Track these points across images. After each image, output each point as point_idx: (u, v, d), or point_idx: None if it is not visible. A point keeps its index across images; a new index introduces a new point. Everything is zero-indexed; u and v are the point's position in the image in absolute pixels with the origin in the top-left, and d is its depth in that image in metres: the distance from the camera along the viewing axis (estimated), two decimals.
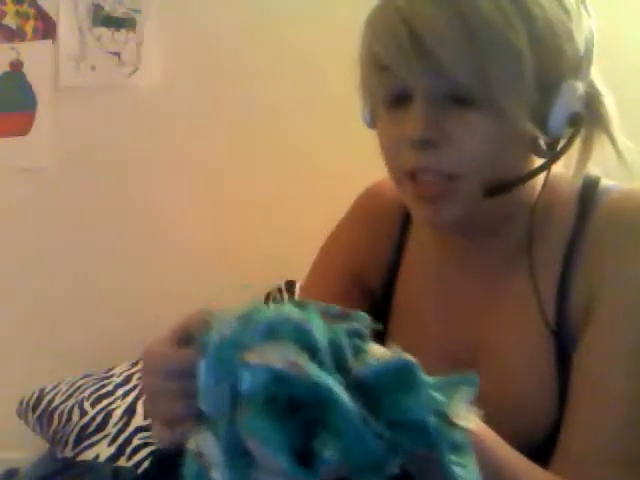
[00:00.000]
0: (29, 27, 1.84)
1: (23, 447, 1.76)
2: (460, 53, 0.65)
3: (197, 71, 1.84)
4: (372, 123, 0.77)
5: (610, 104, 0.73)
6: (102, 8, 1.83)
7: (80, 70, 1.84)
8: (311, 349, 0.48)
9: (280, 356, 0.47)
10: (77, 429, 1.56)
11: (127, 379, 1.67)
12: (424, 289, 0.84)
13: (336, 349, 0.49)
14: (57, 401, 1.66)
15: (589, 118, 0.72)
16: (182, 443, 0.54)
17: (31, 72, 1.85)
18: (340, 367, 0.49)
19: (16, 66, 1.85)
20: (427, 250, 0.84)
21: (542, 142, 0.71)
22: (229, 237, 1.86)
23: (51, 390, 1.70)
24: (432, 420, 0.48)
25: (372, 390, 0.49)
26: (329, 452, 0.46)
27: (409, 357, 0.49)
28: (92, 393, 1.65)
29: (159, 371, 0.59)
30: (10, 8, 1.83)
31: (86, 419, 1.57)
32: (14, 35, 1.84)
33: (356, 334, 0.52)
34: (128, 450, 1.47)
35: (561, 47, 0.68)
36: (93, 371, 1.74)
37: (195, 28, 1.82)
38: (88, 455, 1.50)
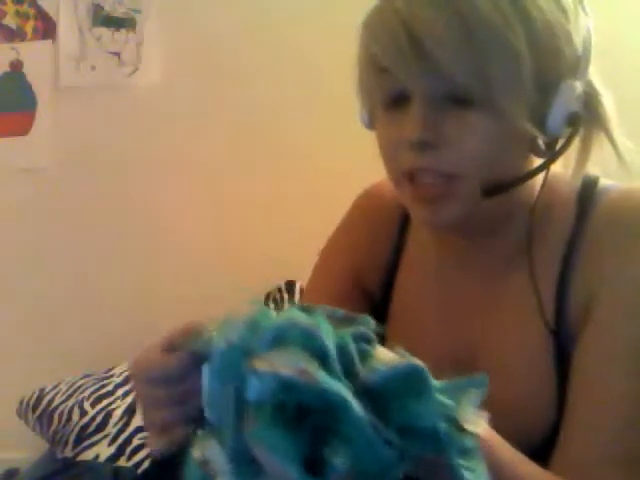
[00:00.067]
0: (29, 27, 1.84)
1: (23, 447, 1.76)
2: (459, 54, 0.65)
3: (197, 71, 1.84)
4: (370, 124, 0.77)
5: (609, 104, 0.73)
6: (102, 8, 1.83)
7: (80, 70, 1.84)
8: (319, 355, 0.48)
9: (289, 363, 0.46)
10: (77, 429, 1.56)
11: (127, 379, 1.67)
12: (423, 289, 0.84)
13: (344, 354, 0.49)
14: (57, 401, 1.66)
15: (588, 118, 0.72)
16: (176, 449, 0.54)
17: (31, 72, 1.85)
18: (348, 372, 0.49)
19: (16, 66, 1.85)
20: (426, 250, 0.84)
21: (541, 142, 0.71)
22: (229, 237, 1.86)
23: (51, 390, 1.70)
24: (442, 426, 0.48)
25: (380, 396, 0.48)
26: (340, 460, 0.45)
27: (418, 362, 0.49)
28: (92, 393, 1.65)
29: (147, 378, 0.59)
30: (10, 8, 1.83)
31: (86, 419, 1.57)
32: (14, 35, 1.84)
33: (362, 338, 0.51)
34: (128, 450, 1.47)
35: (559, 47, 0.68)
36: (93, 371, 1.74)
37: (195, 28, 1.82)
38: (88, 455, 1.50)
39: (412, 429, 0.48)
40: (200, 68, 1.83)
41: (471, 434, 0.49)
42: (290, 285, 1.82)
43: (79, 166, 1.86)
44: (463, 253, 0.80)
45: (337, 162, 1.73)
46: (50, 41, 1.84)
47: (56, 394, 1.68)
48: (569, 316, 0.72)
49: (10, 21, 1.84)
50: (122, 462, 1.45)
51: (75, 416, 1.59)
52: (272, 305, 1.80)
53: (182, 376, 0.57)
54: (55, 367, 1.75)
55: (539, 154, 0.72)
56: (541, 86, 0.67)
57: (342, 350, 0.49)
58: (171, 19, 1.83)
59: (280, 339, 0.49)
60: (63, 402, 1.65)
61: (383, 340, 0.54)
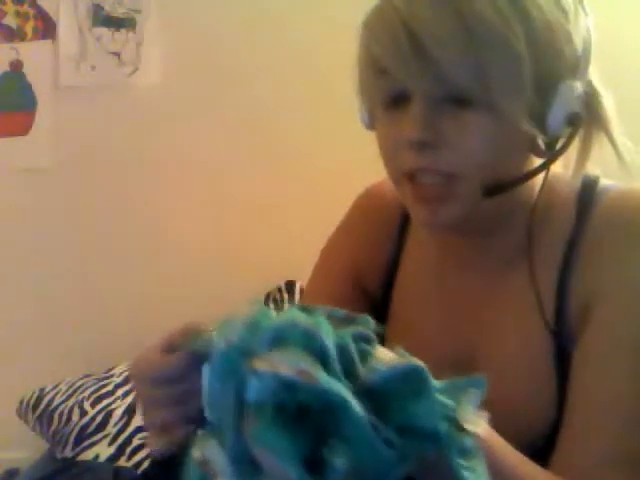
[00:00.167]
0: (29, 27, 1.83)
1: (23, 447, 1.76)
2: (458, 54, 0.65)
3: (197, 71, 1.84)
4: (370, 124, 0.77)
5: (609, 104, 0.73)
6: (102, 8, 1.83)
7: (80, 70, 1.84)
8: (319, 355, 0.48)
9: (289, 364, 0.46)
10: (77, 429, 1.56)
11: (127, 379, 1.67)
12: (423, 289, 0.84)
13: (344, 354, 0.49)
14: (57, 401, 1.66)
15: (588, 118, 0.72)
16: (176, 449, 0.54)
17: (31, 72, 1.85)
18: (348, 372, 0.49)
19: (16, 66, 1.85)
20: (426, 250, 0.84)
21: (541, 142, 0.71)
22: (229, 237, 1.86)
23: (51, 390, 1.70)
24: (442, 426, 0.48)
25: (380, 396, 0.48)
26: (340, 460, 0.45)
27: (418, 362, 0.49)
28: (92, 393, 1.65)
29: (146, 379, 0.59)
30: (10, 8, 1.83)
31: (86, 419, 1.58)
32: (14, 35, 1.84)
33: (362, 338, 0.51)
34: (128, 450, 1.47)
35: (559, 47, 0.68)
36: (93, 371, 1.74)
37: (195, 28, 1.82)
38: (88, 455, 1.50)
39: (412, 429, 0.48)
40: (200, 68, 1.83)
41: (471, 434, 0.49)
42: (290, 285, 1.82)
43: (79, 166, 1.86)
44: (463, 253, 0.80)
45: (337, 162, 1.73)
46: (50, 41, 1.83)
47: (56, 394, 1.68)
48: (569, 316, 0.72)
49: (10, 21, 1.84)
50: (122, 462, 1.45)
51: (75, 416, 1.59)
52: (272, 305, 1.80)
53: (182, 376, 0.58)
54: (55, 367, 1.75)
55: (539, 154, 0.72)
56: (541, 86, 0.67)
57: (342, 350, 0.49)
58: (171, 19, 1.82)
59: (280, 339, 0.49)
60: (63, 402, 1.65)
61: (383, 340, 0.54)
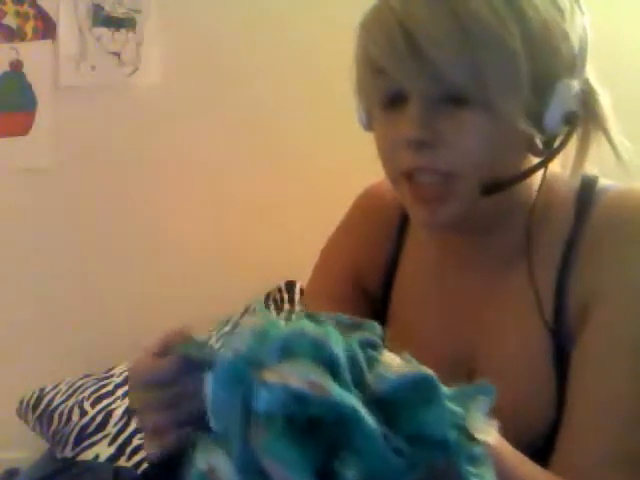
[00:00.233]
0: (29, 27, 1.84)
1: (23, 447, 1.76)
2: (455, 54, 0.65)
3: (197, 71, 1.84)
4: (368, 125, 0.77)
5: (606, 102, 0.73)
6: (102, 8, 1.83)
7: (80, 70, 1.84)
8: (329, 364, 0.47)
9: (299, 375, 0.46)
10: (77, 429, 1.56)
11: (127, 379, 1.67)
12: (423, 289, 0.84)
13: (353, 363, 0.49)
14: (57, 401, 1.66)
15: (585, 116, 0.72)
16: (170, 452, 0.54)
17: (31, 72, 1.85)
18: (356, 381, 0.48)
19: (16, 66, 1.85)
20: (426, 250, 0.84)
21: (538, 141, 0.71)
22: (229, 237, 1.86)
23: (51, 390, 1.70)
24: (452, 435, 0.48)
25: (390, 404, 0.48)
26: (351, 472, 0.45)
27: (427, 370, 0.49)
28: (92, 393, 1.65)
29: (138, 382, 0.60)
30: (10, 8, 1.83)
31: (86, 419, 1.58)
32: (14, 35, 1.84)
33: (369, 344, 0.51)
34: (128, 450, 1.47)
35: (555, 46, 0.68)
36: (93, 371, 1.74)
37: (195, 28, 1.82)
38: (88, 455, 1.50)
39: (422, 438, 0.47)
40: (200, 68, 1.83)
41: (481, 442, 0.49)
42: (290, 285, 1.82)
43: (79, 166, 1.86)
44: (462, 252, 0.80)
45: (337, 162, 1.73)
46: (50, 41, 1.83)
47: (56, 394, 1.68)
48: (568, 316, 0.72)
49: (10, 21, 1.84)
50: (122, 462, 1.45)
51: (75, 416, 1.59)
52: (272, 305, 1.80)
53: (174, 380, 0.58)
54: (55, 367, 1.75)
55: (537, 153, 0.72)
56: (538, 85, 0.67)
57: (351, 359, 0.49)
58: (171, 19, 1.83)
59: (289, 350, 0.48)
60: (63, 402, 1.65)
61: (383, 340, 0.54)
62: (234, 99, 1.83)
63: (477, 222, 0.75)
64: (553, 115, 0.69)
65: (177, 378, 0.58)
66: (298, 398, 0.45)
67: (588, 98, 0.72)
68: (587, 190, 0.75)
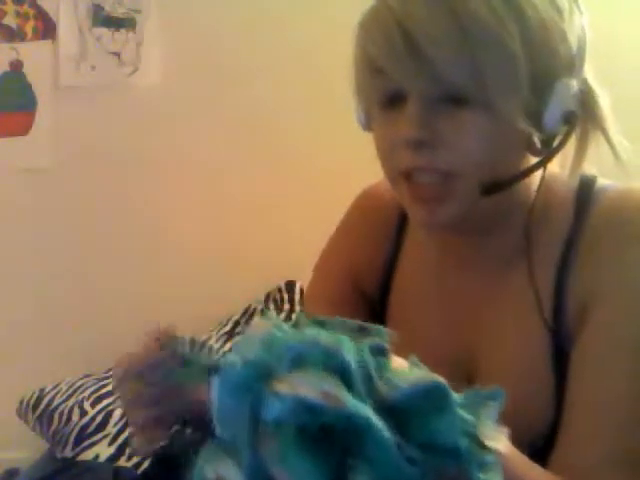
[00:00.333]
0: (29, 27, 1.83)
1: (23, 447, 1.76)
2: (453, 54, 0.65)
3: (197, 71, 1.84)
4: (367, 125, 0.77)
5: (605, 102, 0.73)
6: (102, 8, 1.83)
7: (80, 70, 1.84)
8: (341, 373, 0.47)
9: (312, 386, 0.46)
10: (77, 429, 1.56)
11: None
12: (422, 289, 0.84)
13: (364, 371, 0.49)
14: (57, 401, 1.66)
15: (583, 116, 0.72)
16: (171, 453, 0.54)
17: (31, 72, 1.85)
18: (368, 389, 0.48)
19: (16, 66, 1.85)
20: (425, 250, 0.84)
21: (537, 141, 0.71)
22: (229, 237, 1.86)
23: (51, 390, 1.70)
24: (464, 442, 0.48)
25: (402, 412, 0.48)
26: None
27: (439, 378, 0.49)
28: (92, 393, 1.65)
29: (131, 374, 0.60)
30: (10, 8, 1.83)
31: (86, 419, 1.58)
32: (14, 35, 1.84)
33: (378, 350, 0.51)
34: (128, 450, 1.47)
35: (554, 46, 0.68)
36: (93, 371, 1.74)
37: (195, 28, 1.82)
38: (88, 455, 1.50)
39: (433, 446, 0.47)
40: (200, 68, 1.83)
41: (491, 450, 0.49)
42: (290, 285, 1.82)
43: (79, 166, 1.86)
44: (462, 253, 0.80)
45: (337, 162, 1.73)
46: (50, 41, 1.83)
47: (56, 394, 1.68)
48: (567, 315, 0.72)
49: (10, 21, 1.84)
50: (122, 462, 1.45)
51: (75, 416, 1.59)
52: (272, 305, 1.80)
53: (165, 375, 0.58)
54: (55, 367, 1.75)
55: (535, 153, 0.72)
56: (537, 85, 0.67)
57: (362, 367, 0.48)
58: (171, 19, 1.82)
59: (301, 359, 0.48)
60: (63, 402, 1.65)
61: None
62: (234, 99, 1.83)
63: (476, 222, 0.75)
64: (552, 114, 0.69)
65: (168, 374, 0.58)
66: (310, 408, 0.45)
67: (587, 98, 0.72)
68: (586, 190, 0.75)
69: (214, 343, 1.73)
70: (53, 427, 1.61)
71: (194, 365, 0.62)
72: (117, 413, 1.57)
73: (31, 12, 1.83)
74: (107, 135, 1.86)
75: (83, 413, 1.59)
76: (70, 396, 1.66)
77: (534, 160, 0.72)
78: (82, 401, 1.63)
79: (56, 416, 1.62)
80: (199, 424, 0.60)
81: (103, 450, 1.49)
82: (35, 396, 1.69)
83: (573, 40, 0.69)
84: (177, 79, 1.84)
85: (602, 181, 0.76)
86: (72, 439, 1.55)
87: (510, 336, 0.76)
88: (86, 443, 1.53)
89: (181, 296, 1.81)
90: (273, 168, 1.84)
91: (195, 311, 1.73)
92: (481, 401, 0.50)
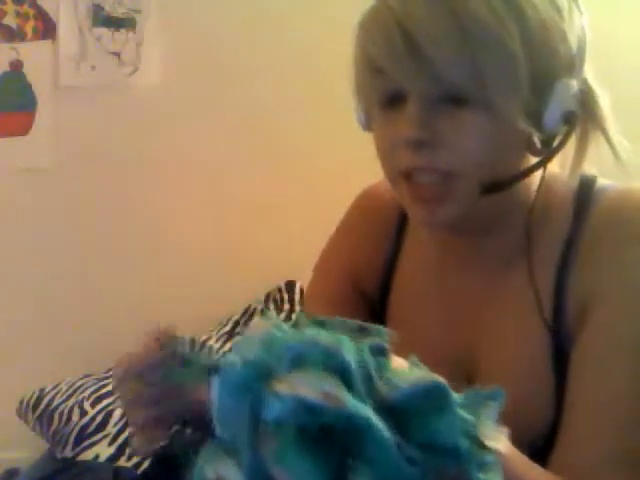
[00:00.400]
0: (29, 27, 1.83)
1: (23, 447, 1.76)
2: (453, 54, 0.65)
3: (197, 71, 1.84)
4: (366, 125, 0.77)
5: (604, 102, 0.73)
6: (102, 8, 1.83)
7: (80, 70, 1.84)
8: (341, 373, 0.47)
9: (312, 386, 0.46)
10: (77, 429, 1.56)
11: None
12: (423, 289, 0.84)
13: (364, 371, 0.49)
14: (57, 401, 1.66)
15: (583, 116, 0.72)
16: (171, 453, 0.54)
17: (31, 72, 1.85)
18: (368, 389, 0.48)
19: (16, 66, 1.85)
20: (425, 250, 0.84)
21: (537, 141, 0.71)
22: (229, 237, 1.86)
23: (51, 390, 1.70)
24: (464, 443, 0.48)
25: (401, 412, 0.48)
26: None
27: (439, 378, 0.49)
28: (92, 393, 1.65)
29: (132, 374, 0.61)
30: (10, 8, 1.83)
31: (86, 419, 1.58)
32: (14, 35, 1.84)
33: (378, 350, 0.51)
34: (128, 450, 1.47)
35: (554, 46, 0.68)
36: (93, 371, 1.74)
37: (195, 28, 1.82)
38: (88, 455, 1.50)
39: (433, 446, 0.47)
40: (200, 68, 1.83)
41: (491, 450, 0.49)
42: (290, 285, 1.82)
43: (79, 166, 1.86)
44: (462, 253, 0.80)
45: (337, 162, 1.73)
46: (50, 41, 1.83)
47: (56, 394, 1.68)
48: (567, 315, 0.72)
49: (10, 21, 1.84)
50: (122, 462, 1.45)
51: (75, 416, 1.59)
52: (272, 305, 1.80)
53: (165, 375, 0.58)
54: (55, 367, 1.75)
55: (535, 153, 0.72)
56: (537, 85, 0.67)
57: (362, 367, 0.48)
58: (171, 19, 1.82)
59: (301, 360, 0.48)
60: (63, 402, 1.65)
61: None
62: (234, 99, 1.83)
63: (476, 223, 0.75)
64: (552, 114, 0.69)
65: (168, 374, 0.58)
66: (310, 408, 0.45)
67: (586, 98, 0.72)
68: (586, 190, 0.75)
69: (214, 343, 1.73)
70: (53, 427, 1.61)
71: (194, 365, 0.62)
72: (117, 413, 1.57)
73: (31, 12, 1.83)
74: (107, 135, 1.86)
75: (83, 413, 1.59)
76: (70, 396, 1.66)
77: (534, 160, 0.72)
78: (82, 401, 1.63)
79: (56, 416, 1.62)
80: (199, 424, 0.61)
81: (103, 450, 1.49)
82: (35, 396, 1.69)
83: (573, 40, 0.69)
84: (177, 79, 1.84)
85: (602, 181, 0.76)
86: (72, 439, 1.55)
87: (510, 336, 0.76)
88: (86, 443, 1.53)
89: (181, 296, 1.81)
90: (273, 168, 1.84)
91: (195, 311, 1.73)
92: (481, 401, 0.50)
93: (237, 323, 1.80)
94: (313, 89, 1.79)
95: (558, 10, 0.68)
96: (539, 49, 0.67)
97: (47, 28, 1.83)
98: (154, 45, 1.84)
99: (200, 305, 1.77)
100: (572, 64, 0.70)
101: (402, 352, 0.53)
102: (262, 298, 1.81)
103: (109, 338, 1.82)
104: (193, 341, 0.65)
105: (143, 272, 1.88)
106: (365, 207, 0.92)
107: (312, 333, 0.50)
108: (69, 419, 1.59)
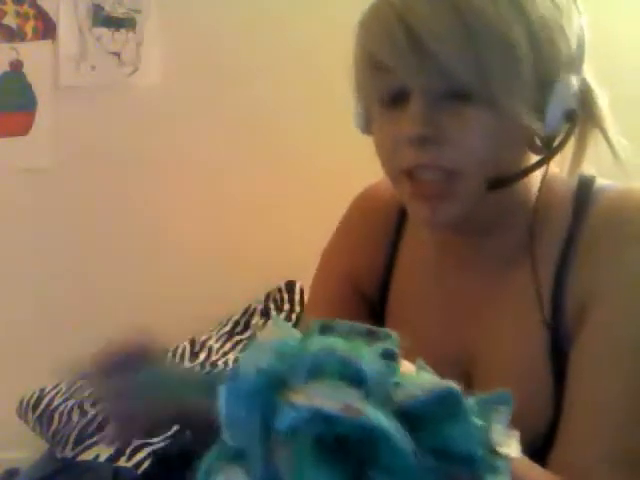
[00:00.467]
0: (29, 27, 1.84)
1: (23, 447, 1.76)
2: (457, 50, 0.65)
3: (197, 71, 1.84)
4: (366, 127, 0.77)
5: (604, 101, 0.73)
6: (102, 8, 1.83)
7: (80, 70, 1.84)
8: (357, 382, 0.47)
9: (331, 397, 0.45)
10: (77, 429, 1.56)
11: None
12: (422, 289, 0.84)
13: (380, 379, 0.48)
14: (57, 401, 1.66)
15: (583, 115, 0.72)
16: (157, 450, 0.55)
17: (31, 72, 1.85)
18: (384, 397, 0.47)
19: (16, 66, 1.85)
20: (425, 250, 0.84)
21: (537, 140, 0.71)
22: (229, 237, 1.86)
23: (51, 390, 1.70)
24: (477, 450, 0.47)
25: (415, 419, 0.47)
26: None
27: (453, 384, 0.48)
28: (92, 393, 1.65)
29: (111, 365, 0.61)
30: (10, 8, 1.83)
31: (86, 419, 1.57)
32: (14, 35, 1.84)
33: (389, 356, 0.50)
34: (128, 450, 1.47)
35: (556, 43, 0.68)
36: None
37: (195, 28, 1.82)
38: (88, 455, 1.50)
39: (447, 452, 0.47)
40: (200, 68, 1.83)
41: (504, 456, 0.49)
42: (290, 285, 1.82)
43: (79, 166, 1.86)
44: (462, 253, 0.80)
45: (337, 162, 1.73)
46: (50, 41, 1.84)
47: (56, 394, 1.68)
48: (566, 315, 0.72)
49: (10, 21, 1.84)
50: (122, 462, 1.45)
51: (75, 416, 1.59)
52: (272, 305, 1.80)
53: (134, 369, 0.60)
54: (55, 367, 1.75)
55: (537, 151, 0.72)
56: (539, 81, 0.67)
57: (377, 374, 0.48)
58: (171, 19, 1.82)
59: (317, 370, 0.47)
60: (63, 402, 1.65)
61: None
62: (234, 99, 1.83)
63: (477, 222, 0.75)
64: (554, 112, 0.68)
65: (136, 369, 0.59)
66: (326, 418, 0.44)
67: (586, 97, 0.72)
68: (585, 190, 0.75)
69: (214, 343, 1.73)
70: (53, 427, 1.61)
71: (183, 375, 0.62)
72: None
73: (31, 12, 1.83)
74: (107, 135, 1.86)
75: (83, 413, 1.59)
76: (70, 396, 1.66)
77: (535, 159, 0.72)
78: (82, 401, 1.63)
79: (56, 416, 1.62)
80: (200, 426, 0.60)
81: (103, 450, 1.49)
82: (35, 396, 1.69)
83: (573, 39, 0.69)
84: (177, 79, 1.84)
85: (601, 181, 0.76)
86: (72, 439, 1.55)
87: (509, 336, 0.76)
88: (86, 443, 1.53)
89: (181, 296, 1.81)
90: (273, 168, 1.84)
91: (195, 311, 1.73)
92: (491, 406, 0.50)
93: (237, 323, 1.80)
94: (313, 89, 1.79)
95: (557, 8, 0.68)
96: (542, 46, 0.67)
97: (47, 28, 1.83)
98: (154, 45, 1.84)
99: (200, 305, 1.77)
100: (572, 63, 0.70)
101: (402, 352, 0.53)
102: (262, 298, 1.81)
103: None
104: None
105: (143, 272, 1.88)
106: (365, 207, 0.92)
107: (327, 341, 0.49)
108: (69, 419, 1.59)
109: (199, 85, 1.84)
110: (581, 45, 0.70)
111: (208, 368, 1.61)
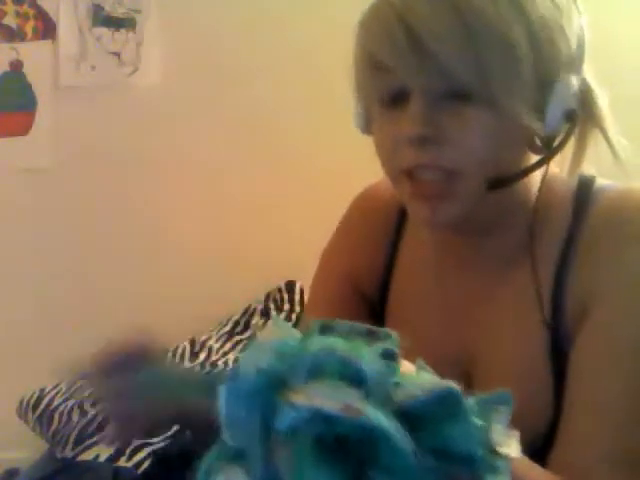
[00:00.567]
0: (29, 27, 1.84)
1: (23, 447, 1.76)
2: (457, 50, 0.65)
3: (197, 71, 1.84)
4: (366, 128, 0.77)
5: (603, 101, 0.73)
6: (102, 8, 1.83)
7: (80, 70, 1.84)
8: (357, 382, 0.47)
9: (331, 398, 0.45)
10: (77, 429, 1.56)
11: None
12: (422, 289, 0.84)
13: (380, 379, 0.48)
14: (57, 401, 1.66)
15: (583, 115, 0.72)
16: (157, 450, 0.55)
17: (31, 72, 1.85)
18: (384, 397, 0.47)
19: (16, 66, 1.85)
20: (425, 250, 0.84)
21: (538, 140, 0.71)
22: (229, 237, 1.86)
23: (51, 390, 1.70)
24: (477, 450, 0.47)
25: (415, 419, 0.47)
26: None
27: (453, 384, 0.48)
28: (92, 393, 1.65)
29: (111, 365, 0.61)
30: (10, 8, 1.83)
31: (86, 419, 1.57)
32: (14, 35, 1.84)
33: (389, 356, 0.50)
34: (128, 450, 1.47)
35: (556, 43, 0.68)
36: None
37: (195, 28, 1.82)
38: (88, 455, 1.50)
39: (447, 452, 0.47)
40: (200, 68, 1.83)
41: (504, 457, 0.49)
42: (290, 285, 1.82)
43: (79, 166, 1.86)
44: (462, 253, 0.80)
45: (337, 162, 1.73)
46: (50, 41, 1.84)
47: (56, 394, 1.68)
48: (566, 315, 0.72)
49: (10, 21, 1.84)
50: (122, 462, 1.45)
51: (75, 416, 1.59)
52: (272, 305, 1.80)
53: (134, 369, 0.60)
54: (55, 367, 1.75)
55: (537, 151, 0.72)
56: (539, 81, 0.67)
57: (377, 374, 0.48)
58: (171, 19, 1.83)
59: (317, 370, 0.47)
60: (63, 402, 1.65)
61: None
62: (234, 99, 1.83)
63: (477, 222, 0.75)
64: (554, 112, 0.68)
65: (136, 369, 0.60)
66: (326, 418, 0.44)
67: (586, 97, 0.72)
68: (584, 190, 0.75)
69: (214, 343, 1.73)
70: (53, 427, 1.61)
71: (181, 375, 0.62)
72: None
73: (31, 12, 1.83)
74: (107, 135, 1.86)
75: (83, 413, 1.59)
76: (70, 396, 1.66)
77: (535, 159, 0.72)
78: (82, 401, 1.63)
79: (56, 416, 1.62)
80: (199, 426, 0.61)
81: (103, 450, 1.49)
82: (35, 396, 1.69)
83: (573, 39, 0.70)
84: (177, 79, 1.84)
85: (601, 181, 0.76)
86: (72, 439, 1.55)
87: (509, 336, 0.76)
88: (86, 443, 1.53)
89: (181, 296, 1.81)
90: (273, 168, 1.84)
91: (195, 311, 1.73)
92: (491, 406, 0.50)
93: (237, 323, 1.80)
94: (313, 89, 1.79)
95: (557, 8, 0.68)
96: (542, 46, 0.67)
97: (47, 28, 1.83)
98: (154, 45, 1.84)
99: (200, 305, 1.77)
100: (572, 63, 0.70)
101: (402, 352, 0.53)
102: (262, 298, 1.81)
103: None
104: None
105: (143, 272, 1.88)
106: (364, 208, 0.92)
107: (327, 341, 0.49)
108: (69, 419, 1.60)
109: (199, 85, 1.84)
110: (581, 45, 0.71)
111: (208, 368, 1.61)
